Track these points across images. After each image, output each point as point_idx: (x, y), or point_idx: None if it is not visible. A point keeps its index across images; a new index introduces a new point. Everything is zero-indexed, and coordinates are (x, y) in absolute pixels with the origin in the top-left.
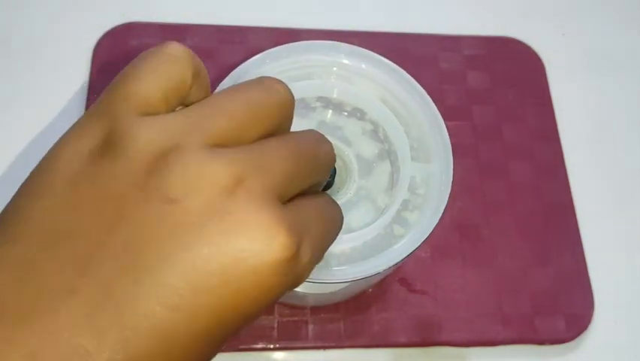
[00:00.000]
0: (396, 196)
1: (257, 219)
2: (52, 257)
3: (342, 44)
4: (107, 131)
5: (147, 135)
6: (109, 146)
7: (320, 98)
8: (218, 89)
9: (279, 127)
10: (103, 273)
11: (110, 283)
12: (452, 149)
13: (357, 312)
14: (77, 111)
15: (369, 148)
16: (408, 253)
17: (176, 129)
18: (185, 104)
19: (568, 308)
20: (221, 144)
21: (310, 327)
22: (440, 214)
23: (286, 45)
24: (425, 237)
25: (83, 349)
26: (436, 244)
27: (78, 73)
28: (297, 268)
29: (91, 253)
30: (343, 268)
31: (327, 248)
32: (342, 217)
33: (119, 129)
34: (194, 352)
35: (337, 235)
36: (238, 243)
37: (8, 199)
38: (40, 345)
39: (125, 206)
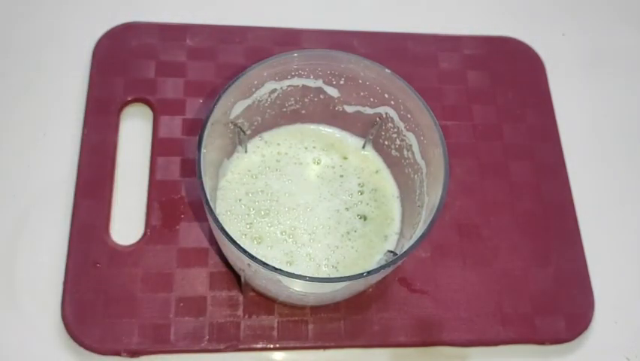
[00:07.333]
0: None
1: None
2: None
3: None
4: None
5: None
6: None
7: None
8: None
9: None
10: None
11: None
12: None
13: (357, 312)
14: (78, 111)
15: None
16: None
17: None
18: None
19: (568, 308)
20: None
21: (310, 327)
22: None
23: None
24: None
25: None
26: (436, 244)
27: (78, 73)
28: None
29: None
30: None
31: None
32: None
33: None
34: None
35: None
36: None
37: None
38: None
39: None
